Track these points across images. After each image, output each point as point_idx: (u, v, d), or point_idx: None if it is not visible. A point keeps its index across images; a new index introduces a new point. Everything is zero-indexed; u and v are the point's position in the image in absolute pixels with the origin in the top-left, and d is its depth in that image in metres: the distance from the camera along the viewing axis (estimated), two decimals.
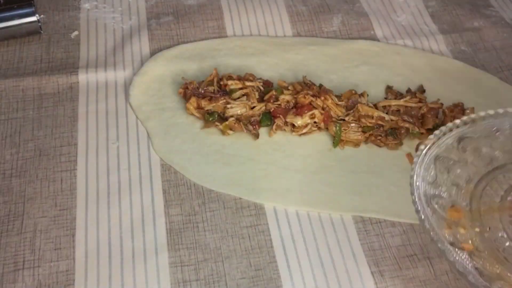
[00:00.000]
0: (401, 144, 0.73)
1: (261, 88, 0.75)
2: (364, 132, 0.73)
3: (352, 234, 0.66)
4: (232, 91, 0.74)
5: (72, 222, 0.64)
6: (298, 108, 0.73)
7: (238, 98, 0.74)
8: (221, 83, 0.75)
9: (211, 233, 0.65)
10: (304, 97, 0.73)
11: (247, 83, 0.75)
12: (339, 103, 0.74)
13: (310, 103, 0.73)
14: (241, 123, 0.73)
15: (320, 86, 0.77)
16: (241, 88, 0.74)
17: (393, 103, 0.75)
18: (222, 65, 0.82)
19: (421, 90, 0.80)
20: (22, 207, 0.65)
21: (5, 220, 0.64)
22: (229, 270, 0.62)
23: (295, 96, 0.74)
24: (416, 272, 0.63)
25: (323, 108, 0.73)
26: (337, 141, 0.73)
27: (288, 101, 0.74)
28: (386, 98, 0.78)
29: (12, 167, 0.69)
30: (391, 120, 0.73)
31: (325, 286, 0.61)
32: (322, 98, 0.73)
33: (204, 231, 0.65)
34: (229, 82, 0.74)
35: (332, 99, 0.73)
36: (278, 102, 0.74)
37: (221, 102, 0.73)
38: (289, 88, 0.75)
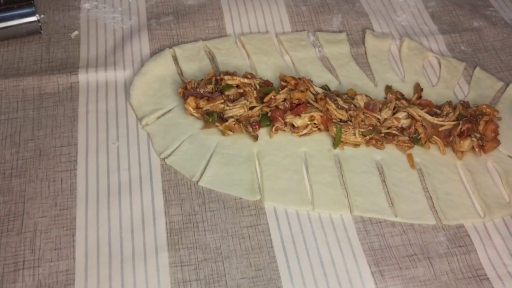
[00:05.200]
0: (412, 146, 0.74)
1: (257, 86, 0.75)
2: (364, 135, 0.73)
3: (352, 234, 0.66)
4: (228, 86, 0.74)
5: (72, 222, 0.64)
6: (294, 108, 0.73)
7: (236, 99, 0.74)
8: (217, 77, 0.75)
9: (211, 233, 0.65)
10: (300, 92, 0.73)
11: (244, 80, 0.75)
12: (339, 111, 0.73)
13: (306, 103, 0.73)
14: (241, 124, 0.73)
15: (325, 88, 0.77)
16: (237, 86, 0.75)
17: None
18: (222, 64, 0.82)
19: (420, 89, 0.80)
20: (22, 207, 0.65)
21: (5, 220, 0.64)
22: (229, 270, 0.62)
23: (289, 93, 0.74)
24: (416, 272, 0.63)
25: (321, 111, 0.73)
26: (337, 142, 0.73)
27: (284, 99, 0.74)
28: (385, 98, 0.78)
29: (12, 167, 0.69)
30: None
31: (325, 286, 0.61)
32: (323, 103, 0.73)
33: (204, 231, 0.65)
34: (226, 77, 0.74)
35: (332, 105, 0.73)
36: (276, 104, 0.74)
37: (218, 102, 0.73)
38: (287, 80, 0.75)
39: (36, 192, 0.67)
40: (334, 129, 0.72)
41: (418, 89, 0.81)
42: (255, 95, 0.74)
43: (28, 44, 0.83)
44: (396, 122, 0.74)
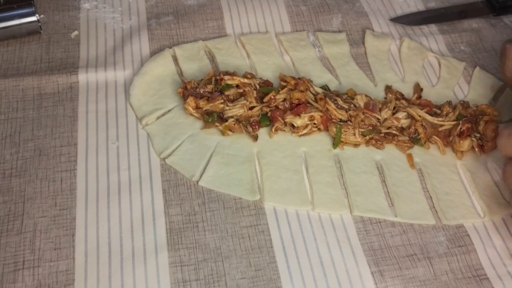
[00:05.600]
0: (412, 146, 0.74)
1: (257, 86, 0.75)
2: (364, 135, 0.73)
3: (352, 234, 0.66)
4: (227, 86, 0.74)
5: (72, 222, 0.64)
6: (294, 108, 0.73)
7: (236, 99, 0.74)
8: (217, 77, 0.75)
9: (211, 233, 0.65)
10: (300, 92, 0.73)
11: (244, 80, 0.75)
12: (339, 111, 0.73)
13: (306, 103, 0.73)
14: (240, 124, 0.73)
15: (325, 88, 0.77)
16: (237, 86, 0.74)
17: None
18: (222, 65, 0.82)
19: (420, 89, 0.80)
20: (22, 207, 0.65)
21: (5, 220, 0.64)
22: (229, 270, 0.62)
23: (289, 93, 0.74)
24: (416, 272, 0.63)
25: (321, 111, 0.73)
26: (337, 142, 0.73)
27: (284, 99, 0.74)
28: (385, 98, 0.79)
29: (12, 167, 0.69)
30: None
31: (324, 286, 0.61)
32: (323, 103, 0.73)
33: (204, 231, 0.65)
34: (226, 77, 0.74)
35: (332, 105, 0.73)
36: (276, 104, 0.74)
37: (218, 102, 0.73)
38: (287, 80, 0.75)
39: (36, 192, 0.67)
40: (334, 129, 0.72)
41: (418, 89, 0.81)
42: (255, 95, 0.74)
43: (28, 44, 0.83)
44: (396, 122, 0.74)
